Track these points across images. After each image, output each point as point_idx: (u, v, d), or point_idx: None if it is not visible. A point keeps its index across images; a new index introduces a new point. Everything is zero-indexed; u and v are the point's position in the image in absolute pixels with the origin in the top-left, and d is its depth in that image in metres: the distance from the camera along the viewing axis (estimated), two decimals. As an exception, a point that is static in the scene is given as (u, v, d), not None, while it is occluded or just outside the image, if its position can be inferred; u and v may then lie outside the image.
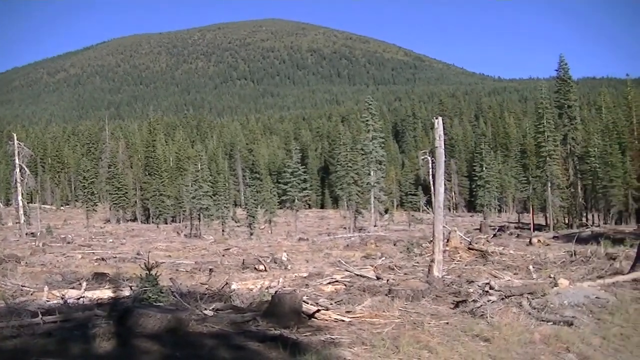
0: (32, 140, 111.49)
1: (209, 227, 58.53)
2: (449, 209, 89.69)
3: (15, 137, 46.76)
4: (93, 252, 28.17)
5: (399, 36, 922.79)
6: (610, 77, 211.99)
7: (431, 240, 15.80)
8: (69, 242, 35.86)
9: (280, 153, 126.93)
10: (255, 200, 58.87)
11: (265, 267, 20.51)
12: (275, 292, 9.53)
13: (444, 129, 15.19)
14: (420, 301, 10.51)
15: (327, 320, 8.54)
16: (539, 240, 28.00)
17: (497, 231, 40.52)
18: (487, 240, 24.82)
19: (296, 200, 61.38)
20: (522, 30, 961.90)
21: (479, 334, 7.65)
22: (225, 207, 60.72)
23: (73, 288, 13.96)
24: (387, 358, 6.59)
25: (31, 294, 13.14)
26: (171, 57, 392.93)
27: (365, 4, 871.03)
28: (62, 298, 11.52)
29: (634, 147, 58.36)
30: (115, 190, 79.23)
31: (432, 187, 45.31)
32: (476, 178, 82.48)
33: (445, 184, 16.61)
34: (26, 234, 43.52)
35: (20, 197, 45.90)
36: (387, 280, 14.57)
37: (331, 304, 10.36)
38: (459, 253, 19.52)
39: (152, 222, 78.06)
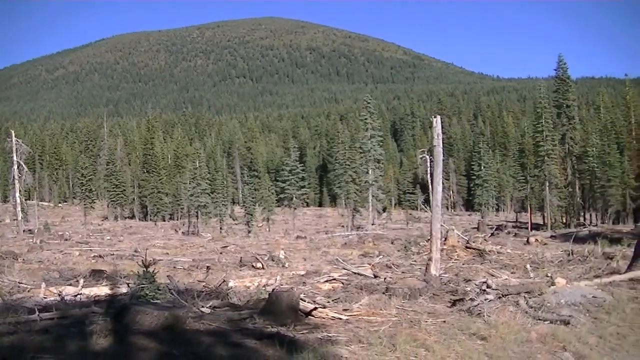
0: (30, 137, 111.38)
1: (206, 224, 58.49)
2: (447, 208, 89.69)
3: (14, 134, 46.77)
4: (90, 249, 28.19)
5: (398, 35, 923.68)
6: (609, 77, 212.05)
7: (429, 239, 15.82)
8: (66, 239, 35.88)
9: (279, 151, 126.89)
10: (253, 198, 58.81)
11: (262, 265, 20.54)
12: (273, 289, 9.54)
13: (442, 127, 15.19)
14: (417, 299, 10.52)
15: (324, 318, 8.55)
16: (536, 240, 28.02)
17: (495, 230, 40.47)
18: (485, 239, 24.85)
19: (294, 199, 61.33)
20: (521, 29, 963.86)
21: (475, 333, 7.66)
22: (223, 204, 60.75)
23: (70, 285, 13.98)
24: (384, 356, 6.59)
25: (28, 291, 13.15)
26: (170, 54, 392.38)
27: (365, 3, 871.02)
28: (59, 295, 11.54)
29: (632, 147, 58.42)
30: (113, 188, 79.12)
31: (430, 186, 45.27)
32: (474, 177, 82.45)
33: (443, 183, 16.62)
34: (24, 230, 43.49)
35: (18, 194, 45.86)
36: (385, 278, 14.59)
37: (328, 301, 10.36)
38: (456, 252, 19.55)
39: (150, 219, 78.05)
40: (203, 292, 11.79)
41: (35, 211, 56.92)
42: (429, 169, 52.00)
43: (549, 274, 12.32)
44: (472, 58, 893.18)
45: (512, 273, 15.18)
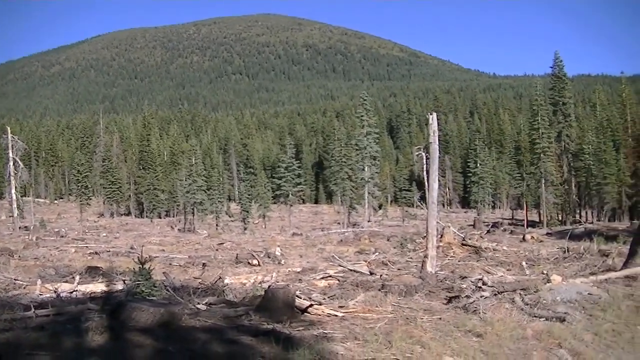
0: (26, 133, 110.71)
1: (202, 221, 58.40)
2: (443, 205, 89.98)
3: (9, 131, 46.51)
4: (86, 246, 28.12)
5: (394, 32, 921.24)
6: (605, 74, 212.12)
7: (425, 236, 15.83)
8: (62, 236, 35.81)
9: (275, 148, 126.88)
10: (249, 195, 58.81)
11: (258, 262, 20.53)
12: (269, 286, 9.54)
13: (438, 125, 15.19)
14: (413, 296, 10.53)
15: (320, 315, 8.55)
16: (532, 237, 28.10)
17: (491, 227, 40.65)
18: (481, 236, 24.96)
19: (290, 195, 61.35)
20: (518, 27, 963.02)
21: (471, 330, 7.67)
22: (219, 201, 60.64)
23: (66, 282, 13.98)
24: (379, 353, 6.60)
25: (24, 288, 13.15)
26: (166, 51, 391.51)
27: (361, 0, 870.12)
28: (55, 292, 11.51)
29: (627, 145, 58.62)
30: (109, 184, 78.93)
31: (426, 183, 45.26)
32: (470, 174, 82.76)
33: (439, 180, 16.64)
34: (19, 227, 43.32)
35: (13, 191, 45.67)
36: (381, 275, 14.62)
37: (324, 298, 10.37)
38: (452, 249, 19.61)
39: (146, 216, 77.85)
40: (199, 289, 11.78)
41: (31, 208, 56.66)
42: (425, 166, 51.75)
43: (545, 271, 12.35)
44: (468, 55, 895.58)
45: (507, 270, 15.20)
